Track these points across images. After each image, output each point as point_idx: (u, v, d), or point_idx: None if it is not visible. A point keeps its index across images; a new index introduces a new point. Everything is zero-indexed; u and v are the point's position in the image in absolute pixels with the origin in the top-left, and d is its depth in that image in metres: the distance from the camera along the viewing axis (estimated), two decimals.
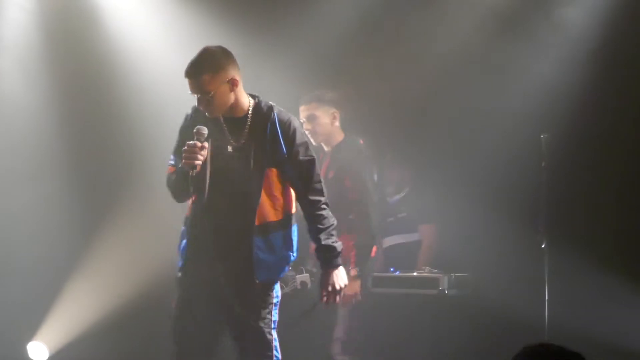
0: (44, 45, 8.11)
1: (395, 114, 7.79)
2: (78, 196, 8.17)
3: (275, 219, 5.15)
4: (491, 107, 7.33)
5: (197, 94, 5.04)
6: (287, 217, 5.20)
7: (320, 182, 5.21)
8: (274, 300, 5.24)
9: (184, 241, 5.22)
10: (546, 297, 6.67)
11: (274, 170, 5.14)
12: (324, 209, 5.19)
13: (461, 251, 7.19)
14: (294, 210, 5.24)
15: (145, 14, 8.09)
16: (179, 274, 5.21)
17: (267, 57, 7.69)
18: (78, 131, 8.23)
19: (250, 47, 7.28)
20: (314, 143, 6.59)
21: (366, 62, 7.83)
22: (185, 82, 5.07)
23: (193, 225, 5.17)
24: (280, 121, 5.12)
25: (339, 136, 6.99)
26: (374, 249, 6.95)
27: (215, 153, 5.09)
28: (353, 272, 6.69)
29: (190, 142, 4.98)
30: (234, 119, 5.14)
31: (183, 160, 5.00)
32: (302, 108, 6.84)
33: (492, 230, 7.11)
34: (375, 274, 7.09)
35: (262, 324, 5.15)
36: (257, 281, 5.12)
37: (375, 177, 6.97)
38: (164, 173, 5.30)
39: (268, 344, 5.16)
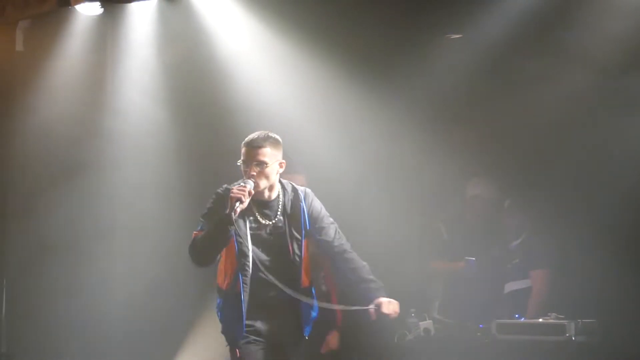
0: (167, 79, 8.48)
1: (516, 156, 7.85)
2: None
3: (307, 285, 5.83)
4: (613, 149, 7.30)
5: (254, 162, 5.62)
6: (311, 281, 5.90)
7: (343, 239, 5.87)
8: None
9: (228, 313, 5.79)
10: None
11: (305, 241, 5.81)
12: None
13: (587, 297, 7.13)
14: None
15: (263, 61, 8.25)
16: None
17: (385, 102, 7.86)
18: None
19: (366, 89, 7.62)
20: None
21: (487, 105, 7.89)
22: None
23: (237, 298, 5.71)
24: (306, 198, 5.83)
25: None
26: None
27: (253, 234, 5.72)
28: None
29: (238, 184, 5.57)
30: (265, 202, 5.75)
31: (230, 195, 5.49)
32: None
33: (618, 275, 7.03)
34: (499, 320, 7.06)
35: None
36: (305, 337, 5.85)
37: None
38: None
39: None
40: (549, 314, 6.98)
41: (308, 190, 5.89)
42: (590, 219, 7.34)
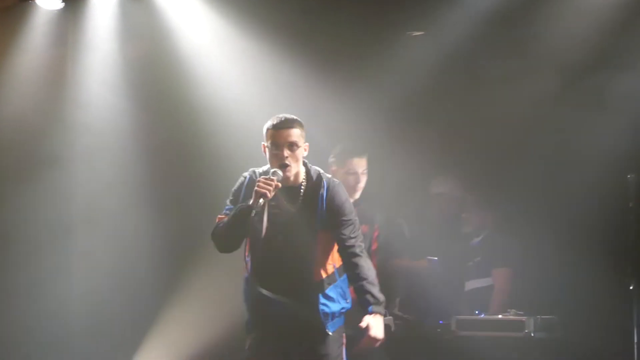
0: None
1: (479, 154, 7.88)
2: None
3: (328, 274, 5.50)
4: (577, 148, 7.34)
5: (286, 143, 5.35)
6: (336, 271, 5.54)
7: (361, 237, 5.54)
8: (344, 343, 5.59)
9: (249, 300, 5.53)
10: (635, 340, 6.59)
11: (325, 231, 5.48)
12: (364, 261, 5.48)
13: (547, 294, 7.17)
14: (339, 263, 5.56)
15: (225, 56, 8.30)
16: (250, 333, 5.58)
17: (347, 99, 7.88)
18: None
19: (329, 87, 7.67)
20: (357, 197, 6.51)
21: (450, 102, 7.93)
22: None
23: (255, 286, 5.47)
24: (328, 189, 5.48)
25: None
26: None
27: (271, 219, 5.36)
28: None
29: (266, 176, 5.29)
30: (289, 187, 5.42)
31: (256, 189, 5.22)
32: (360, 161, 6.54)
33: (579, 272, 7.08)
34: (459, 316, 7.10)
35: None
36: (330, 333, 5.46)
37: None
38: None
39: None
40: (509, 310, 7.05)
41: (335, 180, 5.57)
42: (551, 217, 7.39)
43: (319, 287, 5.46)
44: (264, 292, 5.39)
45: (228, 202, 5.50)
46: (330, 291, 5.49)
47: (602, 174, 7.10)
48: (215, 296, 7.99)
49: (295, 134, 5.37)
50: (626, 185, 6.75)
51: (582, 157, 7.31)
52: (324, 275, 5.49)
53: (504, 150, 7.77)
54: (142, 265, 8.37)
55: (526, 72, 7.56)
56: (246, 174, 5.52)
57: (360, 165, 6.54)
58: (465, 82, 7.88)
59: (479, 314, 7.17)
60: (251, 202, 5.24)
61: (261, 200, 5.23)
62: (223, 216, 5.45)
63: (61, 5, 8.39)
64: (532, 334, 6.82)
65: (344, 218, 5.46)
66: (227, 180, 6.05)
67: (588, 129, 7.29)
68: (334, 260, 5.55)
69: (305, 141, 5.44)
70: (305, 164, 5.50)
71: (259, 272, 5.45)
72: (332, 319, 5.48)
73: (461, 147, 7.94)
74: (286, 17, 7.90)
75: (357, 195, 6.50)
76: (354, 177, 6.50)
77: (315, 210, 5.47)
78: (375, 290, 5.40)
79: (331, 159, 6.60)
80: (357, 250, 5.46)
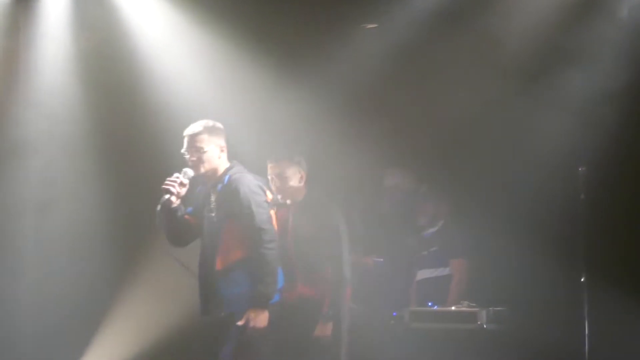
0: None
1: (432, 146, 7.92)
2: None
3: (236, 260, 6.09)
4: (530, 141, 7.40)
5: (193, 147, 6.14)
6: (238, 260, 6.10)
7: (264, 229, 6.03)
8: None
9: None
10: (586, 332, 6.69)
11: (230, 222, 6.10)
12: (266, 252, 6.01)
13: (499, 286, 7.22)
14: (243, 253, 6.12)
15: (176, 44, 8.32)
16: None
17: (303, 91, 7.87)
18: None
19: (283, 79, 7.75)
20: (279, 199, 6.64)
21: (403, 95, 7.97)
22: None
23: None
24: (227, 182, 6.15)
25: (302, 193, 6.77)
26: (348, 291, 6.77)
27: (205, 213, 6.22)
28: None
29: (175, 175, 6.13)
30: (212, 184, 6.21)
31: (162, 186, 6.10)
32: (271, 165, 6.76)
33: (530, 264, 7.14)
34: (413, 308, 7.16)
35: None
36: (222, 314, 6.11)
37: (344, 226, 6.83)
38: None
39: None
40: (462, 302, 7.10)
41: (237, 175, 6.17)
42: (503, 209, 7.43)
43: (221, 273, 6.07)
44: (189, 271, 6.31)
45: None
46: (228, 278, 6.06)
47: (554, 167, 7.20)
48: (165, 288, 8.02)
49: (201, 139, 6.13)
50: (577, 178, 6.83)
51: (535, 150, 7.36)
52: (226, 262, 6.09)
53: (456, 142, 7.82)
54: (95, 256, 8.36)
55: (479, 65, 7.58)
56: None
57: (272, 170, 6.73)
58: (418, 75, 7.87)
59: (432, 305, 7.19)
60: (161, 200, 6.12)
61: (167, 196, 6.08)
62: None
63: None
64: (485, 326, 6.87)
65: (247, 209, 6.03)
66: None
67: (540, 122, 7.38)
68: (238, 250, 6.10)
69: (222, 144, 6.18)
70: (233, 163, 6.24)
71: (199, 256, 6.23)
72: (230, 302, 6.05)
73: (414, 139, 7.96)
74: (241, 10, 7.91)
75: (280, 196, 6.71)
76: (272, 181, 6.71)
77: (221, 203, 6.16)
78: (261, 285, 5.93)
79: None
80: (262, 242, 5.98)
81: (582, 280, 6.70)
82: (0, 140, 8.45)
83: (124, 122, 8.36)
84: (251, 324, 5.91)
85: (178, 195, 6.13)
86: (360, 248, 7.56)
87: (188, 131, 6.20)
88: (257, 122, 8.04)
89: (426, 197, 7.75)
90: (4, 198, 8.39)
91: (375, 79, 7.90)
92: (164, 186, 6.10)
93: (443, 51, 7.71)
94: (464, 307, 7.03)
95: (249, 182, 6.13)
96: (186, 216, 6.25)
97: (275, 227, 6.17)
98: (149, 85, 8.24)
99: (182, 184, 6.12)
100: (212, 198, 6.19)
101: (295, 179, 6.70)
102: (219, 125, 6.25)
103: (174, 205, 6.13)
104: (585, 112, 7.23)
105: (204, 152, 6.14)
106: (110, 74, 8.35)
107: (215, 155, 6.17)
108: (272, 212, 6.18)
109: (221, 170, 6.20)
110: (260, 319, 5.93)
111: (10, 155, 8.36)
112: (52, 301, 8.25)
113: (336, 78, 7.89)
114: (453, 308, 7.07)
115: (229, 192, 6.10)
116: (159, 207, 6.14)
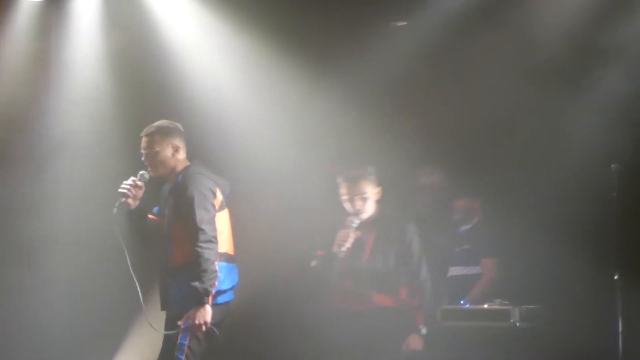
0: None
1: (466, 145, 7.95)
2: None
3: (183, 260, 6.20)
4: (563, 139, 7.43)
5: (145, 150, 6.30)
6: (194, 258, 6.15)
7: (202, 229, 6.13)
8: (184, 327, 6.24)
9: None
10: (620, 330, 6.66)
11: (178, 222, 6.26)
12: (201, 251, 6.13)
13: (532, 284, 7.23)
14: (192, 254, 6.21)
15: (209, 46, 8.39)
16: None
17: (334, 91, 7.97)
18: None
19: (315, 80, 7.81)
20: (358, 219, 6.70)
21: (435, 94, 8.02)
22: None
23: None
24: (178, 182, 6.31)
25: (374, 209, 6.84)
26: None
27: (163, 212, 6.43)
28: None
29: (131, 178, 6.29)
30: (170, 182, 6.39)
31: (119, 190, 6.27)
32: (348, 184, 6.81)
33: (564, 262, 7.16)
34: (445, 307, 7.15)
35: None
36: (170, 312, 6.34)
37: (417, 242, 6.92)
38: None
39: None
40: (494, 300, 7.07)
41: (190, 175, 6.28)
42: (536, 207, 7.45)
43: (172, 271, 6.26)
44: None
45: None
46: (176, 277, 6.22)
47: (587, 165, 7.20)
48: None
49: (151, 141, 6.31)
50: (610, 176, 6.80)
51: (567, 148, 7.39)
52: (175, 262, 6.26)
53: (490, 141, 7.83)
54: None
55: (513, 63, 7.62)
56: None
57: (349, 189, 6.76)
58: (449, 74, 7.92)
59: (464, 304, 7.21)
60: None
61: (122, 199, 6.25)
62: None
63: None
64: (517, 324, 6.85)
65: (188, 209, 6.15)
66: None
67: (572, 121, 7.39)
68: (185, 249, 6.20)
69: (176, 144, 6.32)
70: (192, 163, 6.37)
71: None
72: (176, 302, 6.22)
73: (447, 137, 8.00)
74: (270, 9, 8.00)
75: (362, 216, 6.74)
76: (349, 203, 6.75)
77: (172, 202, 6.34)
78: (199, 282, 6.04)
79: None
80: (200, 243, 6.08)
81: (615, 278, 6.66)
82: (39, 137, 8.60)
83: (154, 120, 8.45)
84: (192, 320, 6.06)
85: (135, 198, 6.30)
86: None
87: (143, 132, 6.38)
88: (287, 122, 8.13)
89: (460, 194, 7.81)
90: (42, 194, 8.49)
91: (406, 78, 7.95)
92: (119, 190, 6.28)
93: (474, 49, 7.73)
94: (496, 305, 6.99)
95: (199, 182, 6.25)
96: (151, 215, 6.47)
97: (217, 229, 6.23)
98: (179, 83, 8.31)
99: (137, 187, 6.30)
100: (169, 197, 6.38)
101: (373, 196, 6.79)
102: (175, 125, 6.41)
103: (132, 207, 6.30)
104: (617, 111, 7.23)
105: (156, 152, 6.30)
106: (141, 73, 8.43)
107: (169, 156, 6.32)
108: (225, 214, 6.31)
109: (178, 169, 6.35)
110: (201, 315, 6.07)
111: (48, 152, 8.52)
112: (82, 302, 8.38)
113: (367, 76, 7.93)
114: (485, 306, 7.04)
115: (178, 192, 6.26)
116: (114, 211, 6.29)
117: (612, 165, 6.80)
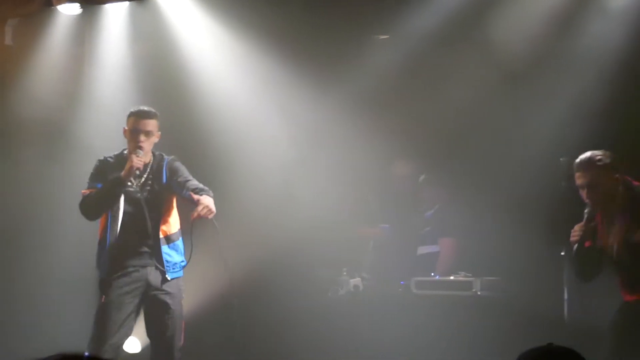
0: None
1: (434, 141, 8.48)
2: None
3: (171, 232, 6.56)
4: (519, 135, 7.96)
5: (143, 131, 6.41)
6: (178, 231, 6.59)
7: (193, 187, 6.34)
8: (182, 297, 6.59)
9: (106, 259, 6.55)
10: (565, 297, 7.02)
11: (169, 196, 6.55)
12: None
13: (492, 260, 7.66)
14: (179, 226, 6.58)
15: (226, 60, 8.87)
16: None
17: (326, 95, 8.49)
18: None
19: (308, 86, 8.26)
20: (142, 158, 6.73)
21: (409, 97, 8.47)
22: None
23: (113, 246, 6.53)
24: (167, 163, 6.53)
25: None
26: None
27: (126, 191, 6.49)
28: None
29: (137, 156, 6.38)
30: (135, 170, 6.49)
31: (132, 163, 6.38)
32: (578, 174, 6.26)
33: (519, 241, 7.49)
34: (417, 278, 7.70)
35: None
36: (169, 279, 6.53)
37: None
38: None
39: None
40: (459, 272, 7.65)
41: (173, 158, 6.58)
42: (495, 194, 7.90)
43: (165, 240, 6.48)
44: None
45: (89, 180, 6.56)
46: (173, 245, 6.50)
47: (539, 158, 7.62)
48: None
49: (152, 124, 6.47)
50: (559, 167, 7.08)
51: (523, 144, 7.87)
52: (168, 232, 6.51)
53: (455, 137, 8.35)
54: None
55: (480, 72, 8.07)
56: (102, 158, 6.62)
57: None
58: (424, 80, 8.40)
59: (434, 276, 7.78)
60: (122, 174, 6.38)
61: (137, 172, 6.37)
62: (88, 190, 6.53)
63: (79, 11, 8.88)
64: (479, 293, 7.42)
65: (181, 177, 6.39)
66: (226, 176, 7.42)
67: (529, 119, 7.93)
68: (176, 221, 6.54)
69: (159, 130, 6.47)
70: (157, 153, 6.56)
71: (120, 234, 6.46)
72: (173, 269, 6.48)
73: (419, 136, 8.47)
74: (272, 24, 8.44)
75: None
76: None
77: (160, 180, 6.47)
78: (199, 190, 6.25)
79: None
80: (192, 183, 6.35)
81: (562, 253, 6.89)
82: (73, 139, 8.96)
83: (176, 125, 8.60)
84: (201, 205, 6.13)
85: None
86: (371, 223, 8.35)
87: (145, 115, 6.46)
88: (285, 121, 8.56)
89: (425, 184, 8.41)
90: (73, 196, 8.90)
91: (386, 84, 8.42)
92: (136, 164, 6.36)
93: (447, 57, 8.23)
94: (461, 277, 7.53)
95: (179, 164, 6.63)
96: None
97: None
98: (194, 89, 8.76)
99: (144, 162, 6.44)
100: (148, 174, 6.55)
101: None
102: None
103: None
104: (566, 111, 7.75)
105: (154, 136, 6.49)
106: (161, 80, 8.80)
107: (154, 141, 6.52)
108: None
109: (150, 155, 6.54)
110: (208, 201, 6.16)
111: (77, 153, 8.70)
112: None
113: (356, 84, 8.42)
114: (452, 277, 7.58)
115: (168, 170, 6.54)
116: (118, 184, 6.37)
117: (561, 159, 7.02)
